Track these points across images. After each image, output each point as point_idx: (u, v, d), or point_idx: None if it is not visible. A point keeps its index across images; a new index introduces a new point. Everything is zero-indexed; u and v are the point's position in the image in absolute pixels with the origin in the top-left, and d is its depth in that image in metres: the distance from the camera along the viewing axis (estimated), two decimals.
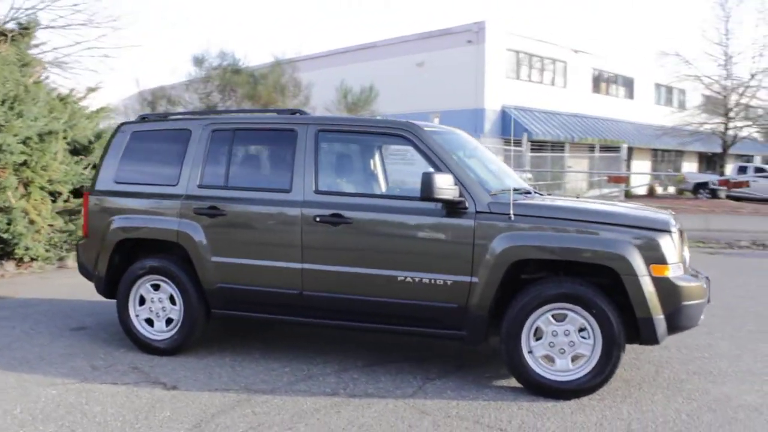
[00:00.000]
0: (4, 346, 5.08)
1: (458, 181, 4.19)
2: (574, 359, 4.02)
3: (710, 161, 37.07)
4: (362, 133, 4.87)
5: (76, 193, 9.57)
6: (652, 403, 3.97)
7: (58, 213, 9.06)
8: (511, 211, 4.08)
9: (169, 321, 4.85)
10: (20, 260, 8.48)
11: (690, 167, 36.68)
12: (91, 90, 10.72)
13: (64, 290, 7.33)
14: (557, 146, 26.72)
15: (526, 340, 4.07)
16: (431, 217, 4.24)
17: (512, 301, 4.11)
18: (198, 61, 20.46)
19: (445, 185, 4.06)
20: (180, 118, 5.46)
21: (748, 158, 38.28)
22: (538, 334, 4.07)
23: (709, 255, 10.93)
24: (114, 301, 5.04)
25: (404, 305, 4.27)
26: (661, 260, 3.93)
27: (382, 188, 5.26)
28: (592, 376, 3.97)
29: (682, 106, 34.58)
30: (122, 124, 5.42)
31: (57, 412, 3.75)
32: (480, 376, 4.46)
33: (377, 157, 5.37)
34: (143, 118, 5.40)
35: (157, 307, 4.87)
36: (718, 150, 29.80)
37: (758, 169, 28.32)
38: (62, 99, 10.15)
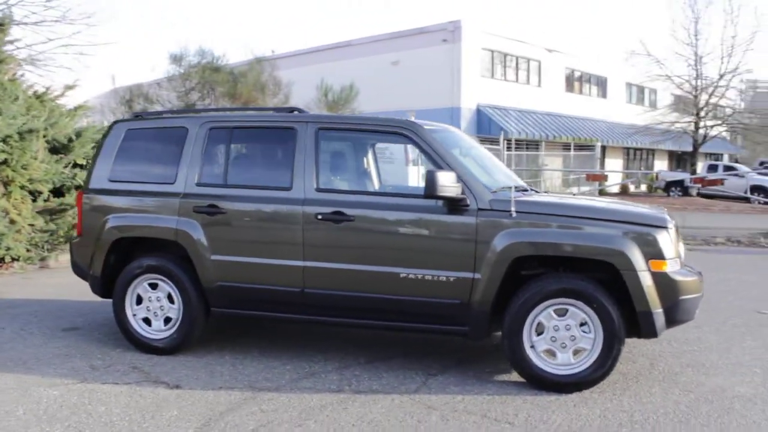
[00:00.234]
0: None
1: (460, 178, 4.24)
2: (575, 353, 4.09)
3: (681, 159, 37.80)
4: (362, 131, 4.90)
5: (57, 192, 9.44)
6: (651, 395, 4.07)
7: (38, 212, 8.93)
8: (513, 208, 4.14)
9: (167, 320, 4.81)
10: (1, 260, 8.33)
11: (661, 165, 37.34)
12: (68, 88, 10.54)
13: (49, 290, 7.21)
14: (532, 145, 27.00)
15: (528, 334, 4.13)
16: (433, 214, 4.28)
17: (514, 296, 4.17)
18: (176, 59, 20.24)
19: (448, 183, 4.10)
20: (176, 116, 5.43)
21: (718, 156, 39.17)
22: (539, 329, 4.13)
23: (688, 252, 11.12)
24: (104, 300, 4.99)
25: (407, 302, 4.30)
26: (660, 255, 4.02)
27: (382, 186, 5.28)
28: (594, 369, 4.04)
29: (653, 105, 35.19)
30: (116, 122, 5.37)
31: (61, 413, 3.70)
32: (480, 370, 4.52)
33: (375, 155, 5.39)
34: (137, 116, 5.35)
35: (155, 306, 4.83)
36: (689, 149, 30.44)
37: (727, 168, 28.97)
38: (39, 97, 9.97)
